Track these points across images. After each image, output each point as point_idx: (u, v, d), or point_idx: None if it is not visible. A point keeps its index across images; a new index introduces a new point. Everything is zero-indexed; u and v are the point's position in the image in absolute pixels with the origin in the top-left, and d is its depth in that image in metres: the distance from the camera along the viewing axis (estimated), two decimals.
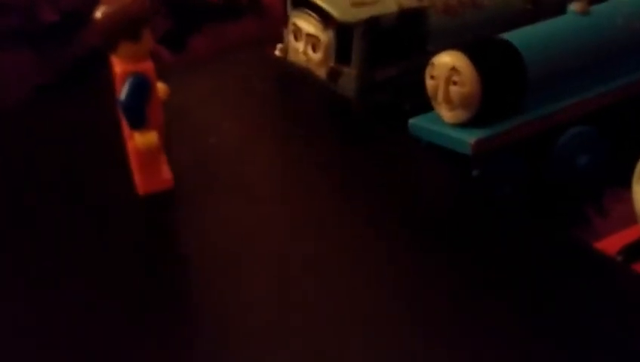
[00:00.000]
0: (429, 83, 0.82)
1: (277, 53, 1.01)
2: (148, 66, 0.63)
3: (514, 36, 0.83)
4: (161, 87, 0.67)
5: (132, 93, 0.61)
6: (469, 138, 0.79)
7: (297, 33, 0.96)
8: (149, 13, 0.62)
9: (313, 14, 0.93)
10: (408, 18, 0.93)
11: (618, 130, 0.88)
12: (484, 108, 0.79)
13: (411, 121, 0.85)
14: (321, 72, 0.95)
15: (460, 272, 0.68)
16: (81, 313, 0.62)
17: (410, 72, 0.90)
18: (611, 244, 0.67)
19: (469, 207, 0.77)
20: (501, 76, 0.80)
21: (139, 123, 0.63)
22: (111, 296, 0.62)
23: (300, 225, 0.73)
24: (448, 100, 0.80)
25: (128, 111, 0.62)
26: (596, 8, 0.88)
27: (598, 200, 0.82)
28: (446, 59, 0.80)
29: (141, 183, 0.68)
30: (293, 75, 0.97)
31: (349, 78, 0.93)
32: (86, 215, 0.71)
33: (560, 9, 1.04)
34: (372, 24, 0.90)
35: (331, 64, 0.93)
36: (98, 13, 0.61)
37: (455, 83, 0.79)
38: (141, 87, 0.62)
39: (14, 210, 0.73)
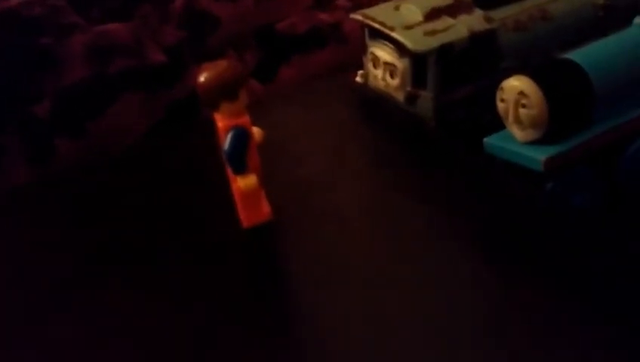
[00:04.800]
0: (500, 105, 0.88)
1: (358, 79, 1.10)
2: (245, 120, 0.73)
3: (579, 55, 0.88)
4: (257, 131, 0.77)
5: (233, 144, 0.71)
6: (540, 156, 0.84)
7: (376, 61, 1.04)
8: (243, 77, 0.71)
9: (389, 44, 1.01)
10: (479, 40, 0.99)
11: None
12: (554, 127, 0.85)
13: (486, 140, 0.91)
14: (400, 96, 1.02)
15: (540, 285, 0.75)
16: (205, 330, 0.72)
17: (484, 90, 0.96)
18: None
19: (544, 221, 0.84)
20: (568, 96, 0.85)
21: (241, 169, 0.73)
22: (227, 312, 0.73)
23: (388, 248, 0.81)
24: (518, 121, 0.86)
25: (232, 160, 0.72)
26: None
27: None
28: (514, 84, 0.86)
29: (245, 218, 0.77)
30: (374, 101, 1.05)
31: (426, 101, 1.00)
32: (202, 244, 0.82)
33: (631, 13, 1.08)
34: (444, 51, 0.97)
35: (408, 88, 1.01)
36: (199, 80, 0.71)
37: (524, 106, 0.85)
38: (241, 139, 0.71)
39: (135, 245, 0.84)
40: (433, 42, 0.97)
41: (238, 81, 0.71)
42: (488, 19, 1.00)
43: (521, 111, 0.85)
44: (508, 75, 0.97)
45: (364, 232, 0.83)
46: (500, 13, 1.02)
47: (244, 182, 0.73)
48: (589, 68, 0.86)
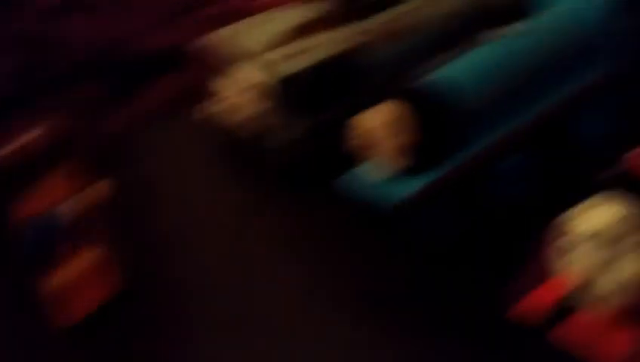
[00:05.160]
0: (359, 137, 0.81)
1: (211, 109, 0.99)
2: (59, 198, 0.64)
3: (445, 74, 0.82)
4: (100, 186, 0.67)
5: (41, 237, 0.61)
6: (400, 194, 0.78)
7: (228, 90, 0.95)
8: (54, 152, 0.62)
9: (243, 72, 0.92)
10: (343, 60, 0.92)
11: (554, 151, 0.86)
12: (419, 159, 0.79)
13: (344, 177, 0.84)
14: (256, 127, 0.94)
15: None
16: None
17: (355, 111, 0.89)
18: (545, 295, 0.67)
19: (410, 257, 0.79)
20: (432, 125, 0.79)
21: (50, 264, 0.63)
22: None
23: (253, 307, 0.75)
24: (379, 154, 0.80)
25: (37, 257, 0.62)
26: (527, 28, 0.86)
27: (539, 235, 0.81)
28: (372, 115, 0.79)
29: (73, 311, 0.67)
30: (230, 134, 0.96)
31: (287, 131, 0.92)
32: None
33: (507, 10, 1.02)
34: (305, 76, 0.89)
35: (266, 119, 0.92)
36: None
37: (383, 138, 0.79)
38: (49, 231, 0.61)
39: None
40: (291, 68, 0.89)
41: (47, 156, 0.62)
42: (355, 34, 0.93)
43: (383, 143, 0.79)
44: (380, 94, 0.91)
45: (229, 293, 0.77)
46: (369, 24, 0.95)
47: (56, 278, 0.63)
48: (455, 89, 0.80)
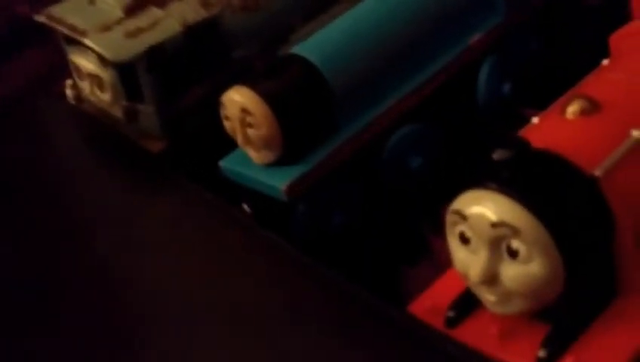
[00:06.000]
0: (226, 124, 0.71)
1: (68, 92, 0.88)
2: None
3: (308, 47, 0.72)
4: None
5: None
6: (281, 183, 0.69)
7: (79, 72, 0.83)
8: None
9: (90, 50, 0.80)
10: (197, 33, 0.80)
11: (448, 121, 0.79)
12: (291, 145, 0.69)
13: (222, 163, 0.74)
14: (117, 112, 0.83)
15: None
16: None
17: (217, 89, 0.79)
18: (446, 288, 0.60)
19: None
20: (300, 106, 0.69)
21: None
22: None
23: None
24: (249, 142, 0.70)
25: None
26: None
27: (435, 215, 0.74)
28: (235, 98, 0.69)
29: None
30: (89, 122, 0.84)
31: (148, 116, 0.81)
32: None
33: None
34: (155, 54, 0.77)
35: (124, 103, 0.81)
36: None
37: (251, 125, 0.68)
38: None
39: None
40: (138, 46, 0.76)
41: None
42: (206, 4, 0.81)
43: (249, 131, 0.69)
44: (244, 66, 0.81)
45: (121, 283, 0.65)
46: None
47: None
48: (321, 61, 0.71)
